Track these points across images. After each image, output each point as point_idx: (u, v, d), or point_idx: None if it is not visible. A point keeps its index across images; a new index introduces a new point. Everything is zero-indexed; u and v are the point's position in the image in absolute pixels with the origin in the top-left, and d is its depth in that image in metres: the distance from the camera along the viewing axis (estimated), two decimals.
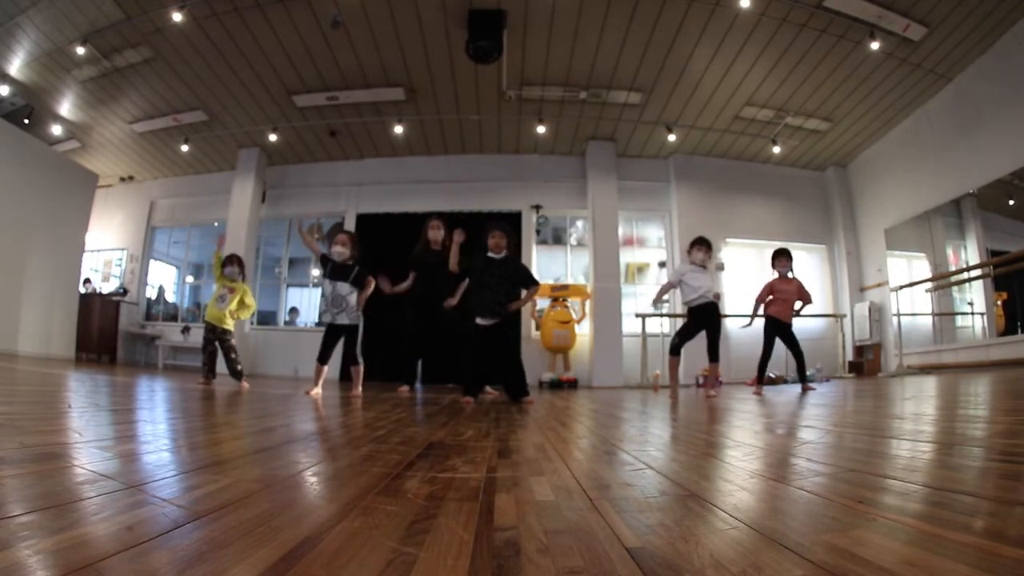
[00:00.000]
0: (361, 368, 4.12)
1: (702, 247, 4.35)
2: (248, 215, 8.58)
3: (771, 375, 5.32)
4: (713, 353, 4.29)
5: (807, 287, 4.90)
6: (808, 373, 6.87)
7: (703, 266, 4.36)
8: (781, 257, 4.84)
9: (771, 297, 4.83)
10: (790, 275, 4.83)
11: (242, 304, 4.72)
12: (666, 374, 7.10)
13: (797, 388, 5.11)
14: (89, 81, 7.09)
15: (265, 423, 2.04)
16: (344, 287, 4.01)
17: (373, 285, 4.16)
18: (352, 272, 4.06)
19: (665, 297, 4.60)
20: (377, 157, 8.87)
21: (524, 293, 4.05)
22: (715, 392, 4.33)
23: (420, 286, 4.80)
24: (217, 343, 4.64)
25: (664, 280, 4.51)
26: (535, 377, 7.48)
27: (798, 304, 4.83)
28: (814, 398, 3.66)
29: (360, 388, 4.07)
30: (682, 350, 4.37)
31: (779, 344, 4.85)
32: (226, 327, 4.65)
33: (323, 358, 4.05)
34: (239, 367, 4.65)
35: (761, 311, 4.88)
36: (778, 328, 4.77)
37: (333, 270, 4.04)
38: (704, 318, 4.30)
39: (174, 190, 9.59)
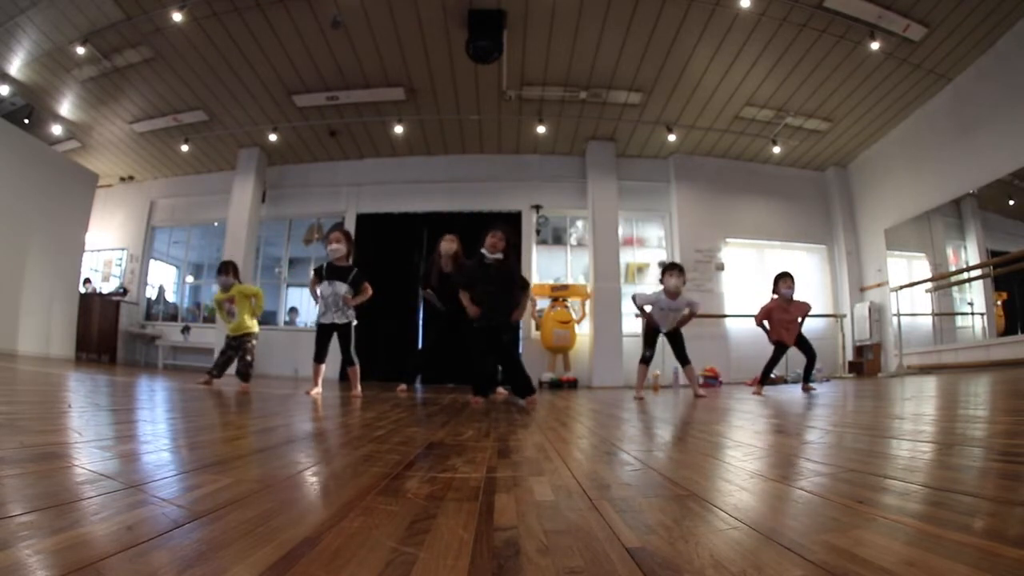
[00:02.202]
0: (357, 368, 4.11)
1: (674, 272, 4.24)
2: (248, 215, 8.58)
3: (771, 375, 5.32)
4: (682, 359, 4.27)
5: (807, 302, 4.82)
6: None
7: (676, 294, 4.25)
8: (785, 279, 4.67)
9: (771, 324, 4.75)
10: (793, 297, 4.70)
11: (247, 301, 4.60)
12: (667, 375, 7.13)
13: (797, 388, 5.11)
14: (89, 81, 7.09)
15: (265, 423, 2.04)
16: (342, 287, 4.02)
17: (370, 292, 4.13)
18: (350, 273, 4.07)
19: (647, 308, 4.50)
20: (377, 157, 8.87)
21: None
22: (703, 392, 4.32)
23: (444, 302, 4.71)
24: (239, 349, 4.55)
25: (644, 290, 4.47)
26: (535, 377, 7.47)
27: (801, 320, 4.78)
28: (814, 398, 3.66)
29: (359, 388, 4.07)
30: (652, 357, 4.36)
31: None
32: (248, 331, 4.56)
33: (319, 357, 4.07)
34: (250, 370, 4.59)
35: (767, 325, 4.82)
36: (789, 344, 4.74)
37: (330, 271, 4.04)
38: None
39: (174, 190, 9.58)
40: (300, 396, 3.75)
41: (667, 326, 4.27)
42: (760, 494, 0.90)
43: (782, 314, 4.70)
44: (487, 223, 4.05)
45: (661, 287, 4.35)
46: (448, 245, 4.77)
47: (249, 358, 4.54)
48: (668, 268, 4.30)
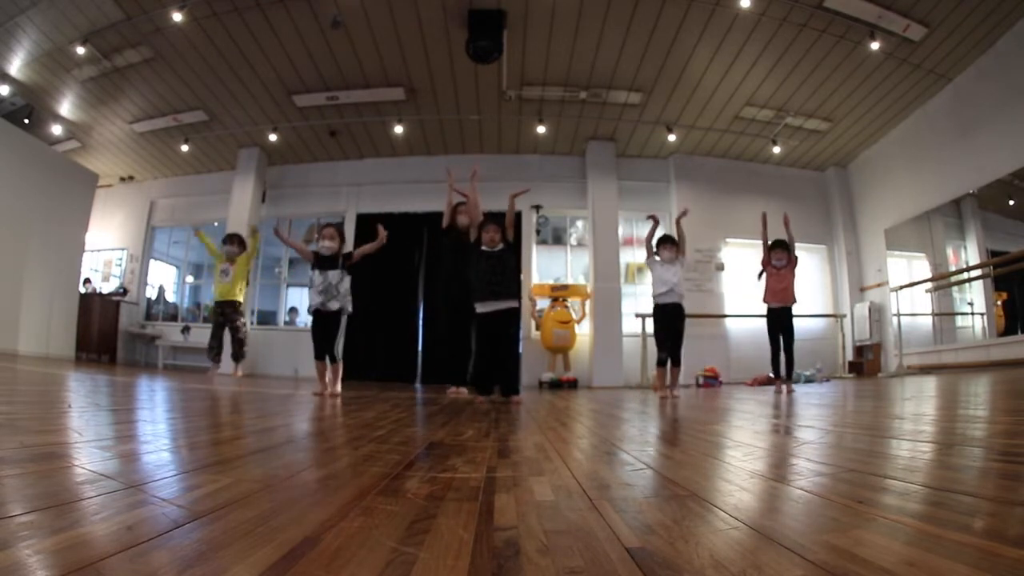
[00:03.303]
0: (340, 366, 4.00)
1: (665, 244, 4.41)
2: (248, 215, 8.57)
3: (770, 375, 5.32)
4: (675, 357, 4.32)
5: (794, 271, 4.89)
6: (808, 373, 6.89)
7: (671, 264, 4.41)
8: (776, 250, 4.86)
9: (765, 288, 4.87)
10: (783, 266, 4.85)
11: (244, 268, 4.84)
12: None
13: (801, 388, 5.09)
14: (89, 81, 7.09)
15: (265, 423, 2.04)
16: (335, 275, 4.00)
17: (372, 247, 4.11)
18: (339, 259, 4.05)
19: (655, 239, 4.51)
20: (377, 157, 8.86)
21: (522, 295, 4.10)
22: (678, 394, 4.35)
23: (450, 277, 4.69)
24: (227, 324, 4.68)
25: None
26: (535, 377, 7.48)
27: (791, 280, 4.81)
28: (814, 398, 3.66)
29: (339, 386, 3.98)
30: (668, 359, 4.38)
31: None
32: (235, 298, 4.71)
33: (320, 354, 4.02)
34: (244, 348, 4.67)
35: (762, 285, 4.90)
36: (778, 318, 4.76)
37: (321, 262, 4.04)
38: (666, 319, 4.35)
39: (174, 190, 9.58)
40: (300, 396, 3.75)
41: (670, 284, 4.31)
42: (760, 494, 0.90)
43: (775, 282, 4.81)
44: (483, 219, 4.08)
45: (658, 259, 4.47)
46: (463, 219, 4.82)
47: (240, 335, 4.64)
48: (661, 242, 4.47)
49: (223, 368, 4.85)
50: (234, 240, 4.85)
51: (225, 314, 4.67)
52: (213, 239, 5.21)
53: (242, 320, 4.74)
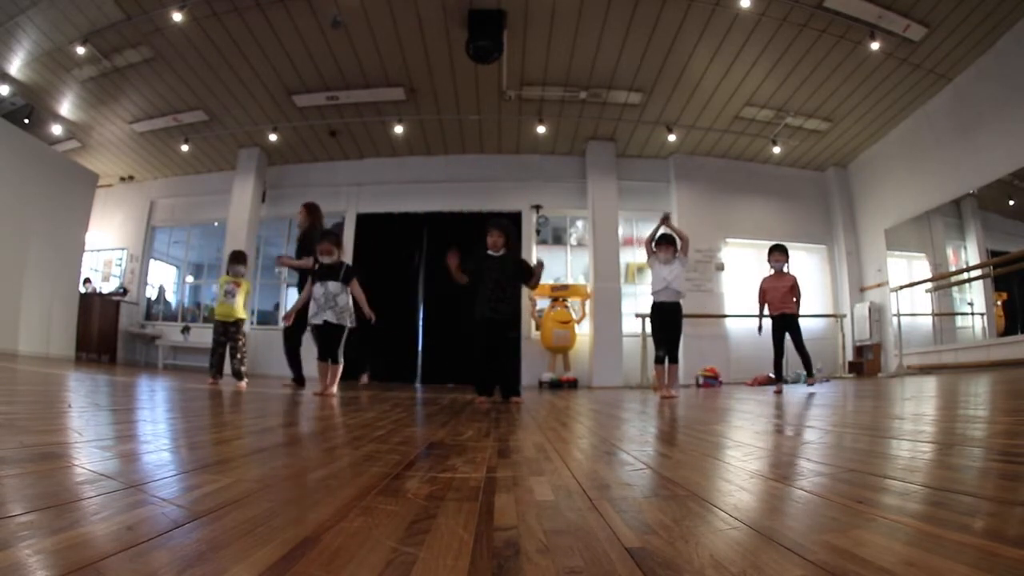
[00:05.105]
0: (339, 368, 4.05)
1: (662, 245, 4.41)
2: (248, 215, 8.58)
3: (770, 375, 5.33)
4: (672, 353, 4.33)
5: (800, 285, 4.89)
6: None
7: (668, 263, 4.41)
8: (775, 252, 4.88)
9: (766, 300, 4.89)
10: (784, 269, 4.87)
11: (245, 289, 4.86)
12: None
13: (799, 388, 5.10)
14: (89, 81, 7.09)
15: (265, 423, 2.04)
16: (335, 286, 4.02)
17: (361, 293, 4.14)
18: (341, 270, 4.07)
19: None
20: (377, 157, 8.86)
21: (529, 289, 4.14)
22: (675, 393, 4.35)
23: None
24: (228, 343, 4.69)
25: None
26: (535, 377, 7.48)
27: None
28: (814, 398, 3.66)
29: (335, 388, 4.01)
30: (665, 357, 4.39)
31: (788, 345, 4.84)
32: (238, 318, 4.73)
33: (323, 355, 4.04)
34: (243, 368, 4.70)
35: (765, 311, 4.91)
36: (784, 323, 4.78)
37: (323, 272, 4.05)
38: (663, 317, 4.37)
39: (174, 190, 9.58)
40: (300, 396, 3.75)
41: (667, 281, 4.32)
42: (760, 494, 0.90)
43: (773, 287, 4.84)
44: (486, 221, 4.14)
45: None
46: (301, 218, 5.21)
47: (240, 356, 4.65)
48: (660, 241, 4.44)
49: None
50: (242, 259, 4.86)
51: (228, 333, 4.70)
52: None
53: (243, 341, 4.77)
